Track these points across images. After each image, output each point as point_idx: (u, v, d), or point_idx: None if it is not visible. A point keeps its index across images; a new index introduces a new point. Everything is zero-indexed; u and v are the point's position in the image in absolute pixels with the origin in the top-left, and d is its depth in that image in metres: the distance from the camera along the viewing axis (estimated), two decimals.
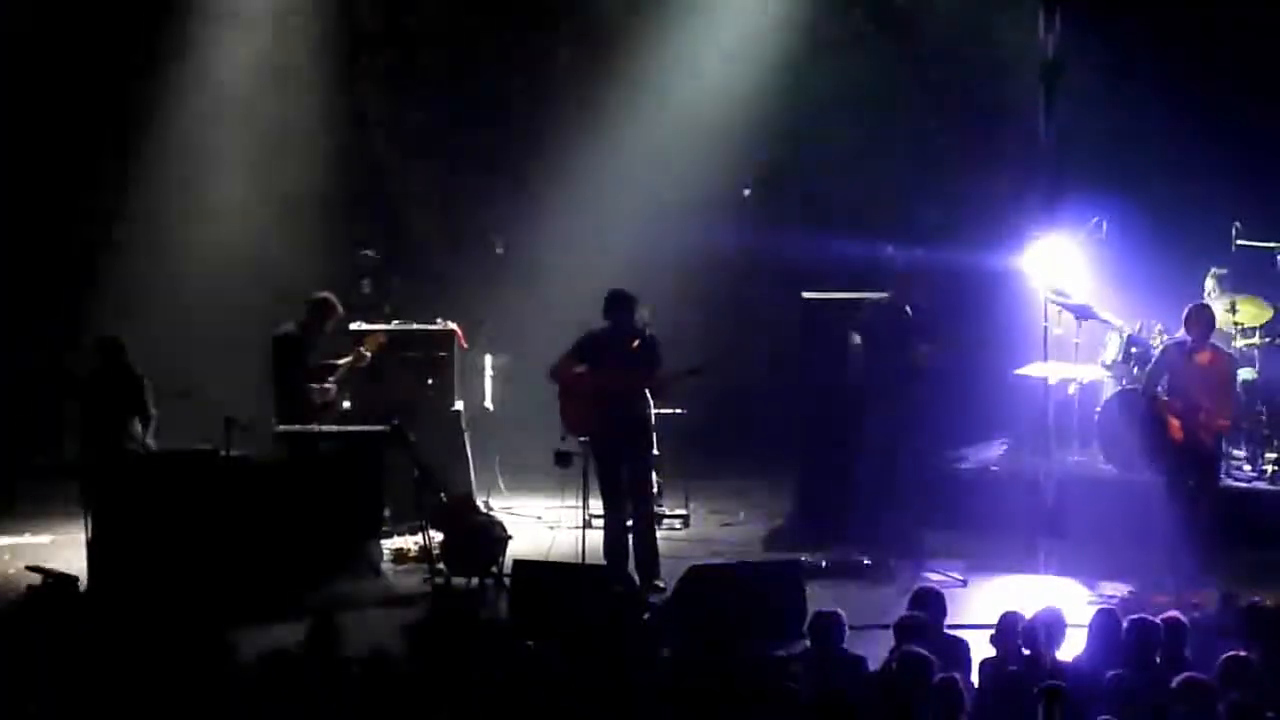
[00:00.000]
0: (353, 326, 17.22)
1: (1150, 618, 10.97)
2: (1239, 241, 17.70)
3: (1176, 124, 18.36)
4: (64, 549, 15.93)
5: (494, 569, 15.12)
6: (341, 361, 16.34)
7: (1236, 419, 14.98)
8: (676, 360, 15.41)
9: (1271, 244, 17.78)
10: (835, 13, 19.94)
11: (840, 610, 11.43)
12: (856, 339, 16.39)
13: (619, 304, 15.24)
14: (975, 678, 10.96)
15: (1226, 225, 17.80)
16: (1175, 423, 14.68)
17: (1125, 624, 10.87)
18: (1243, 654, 10.28)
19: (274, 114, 19.91)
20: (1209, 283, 17.63)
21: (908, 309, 16.10)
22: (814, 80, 19.67)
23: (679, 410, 17.14)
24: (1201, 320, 14.79)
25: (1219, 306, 17.15)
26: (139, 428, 15.69)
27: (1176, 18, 18.37)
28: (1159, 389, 14.93)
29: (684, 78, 20.00)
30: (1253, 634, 10.68)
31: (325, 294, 16.48)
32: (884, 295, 16.31)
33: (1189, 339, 14.84)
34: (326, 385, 16.20)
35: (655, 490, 16.10)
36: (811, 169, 19.92)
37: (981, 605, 13.53)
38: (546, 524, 17.58)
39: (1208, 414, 14.64)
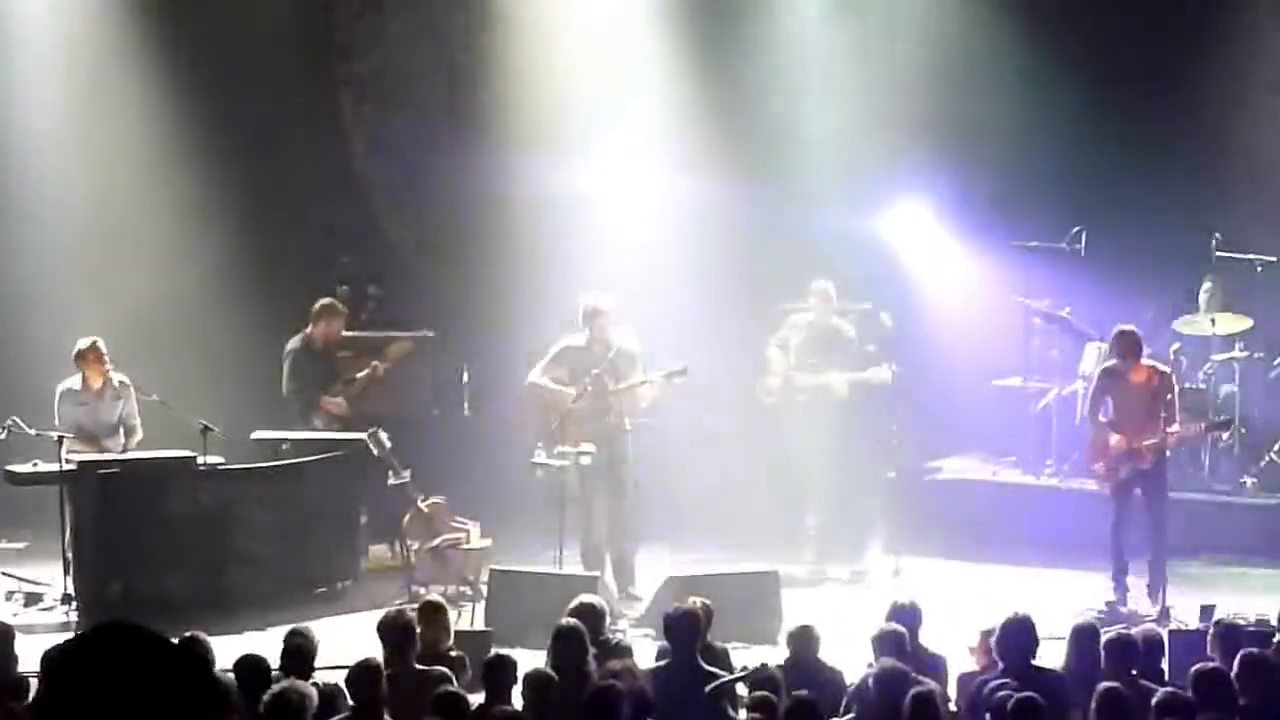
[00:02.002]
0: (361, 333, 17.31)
1: (1129, 633, 10.97)
2: (1218, 253, 17.71)
3: (1154, 132, 18.38)
4: (39, 554, 15.87)
5: (470, 578, 15.10)
6: (360, 374, 16.35)
7: (1182, 434, 15.05)
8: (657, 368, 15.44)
9: (1250, 255, 17.78)
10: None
11: (818, 621, 11.44)
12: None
13: (595, 313, 15.23)
14: (953, 691, 10.97)
15: (1206, 235, 17.81)
16: (1119, 438, 14.81)
17: (1103, 637, 10.86)
18: (1216, 666, 10.29)
19: (252, 116, 19.77)
20: (1203, 296, 17.66)
21: (838, 326, 16.24)
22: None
23: (651, 421, 17.07)
24: (1125, 344, 14.93)
25: (1207, 317, 17.24)
26: (122, 436, 15.63)
27: (1152, 25, 18.39)
28: (1102, 412, 15.06)
29: None
30: (1225, 650, 10.69)
31: (327, 299, 16.49)
32: (809, 314, 16.34)
33: (1119, 363, 14.97)
34: (337, 399, 16.20)
35: (632, 499, 16.05)
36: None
37: (960, 618, 13.50)
38: (523, 532, 17.50)
39: (1148, 432, 14.74)
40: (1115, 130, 18.55)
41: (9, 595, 15.09)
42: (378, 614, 14.51)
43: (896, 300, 18.12)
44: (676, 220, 19.71)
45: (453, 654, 11.29)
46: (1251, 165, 18.42)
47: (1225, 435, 16.17)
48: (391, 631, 10.93)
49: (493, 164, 19.53)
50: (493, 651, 11.01)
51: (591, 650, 10.64)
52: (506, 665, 10.35)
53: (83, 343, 15.47)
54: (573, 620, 10.77)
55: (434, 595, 13.07)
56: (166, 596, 14.07)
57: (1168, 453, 14.94)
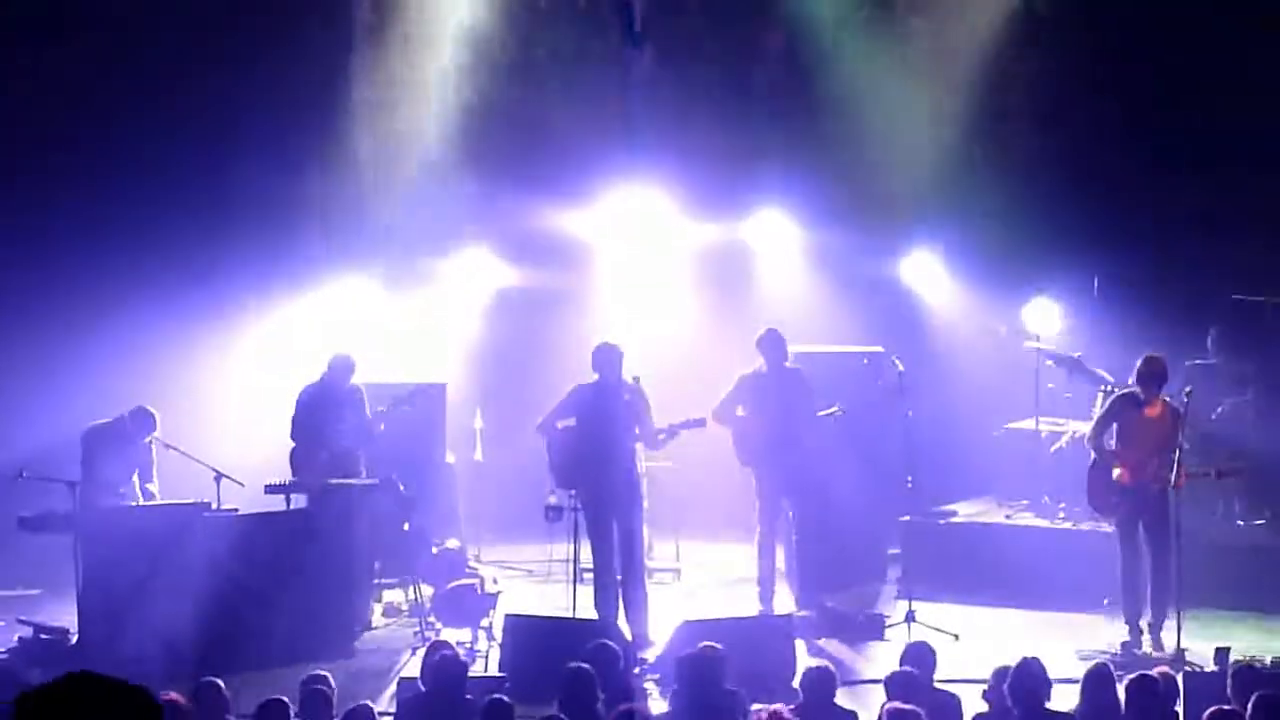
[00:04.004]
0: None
1: (1143, 672, 10.97)
2: (1234, 296, 17.74)
3: (1169, 179, 18.45)
4: (55, 601, 15.91)
5: (485, 622, 15.10)
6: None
7: (1187, 473, 14.98)
8: (670, 413, 15.45)
9: (1264, 298, 17.81)
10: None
11: (831, 665, 11.44)
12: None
13: (608, 358, 15.24)
14: None
15: (1221, 279, 17.85)
16: (1121, 470, 14.80)
17: (1118, 679, 10.87)
18: (1232, 708, 10.28)
19: None
20: (1210, 341, 17.74)
21: (794, 368, 16.17)
22: None
23: (669, 463, 17.14)
24: (1151, 373, 14.87)
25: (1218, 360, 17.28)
26: (136, 485, 15.72)
27: (1176, 68, 18.47)
28: (1106, 438, 15.03)
29: None
30: (1240, 691, 10.68)
31: (345, 353, 16.43)
32: (760, 364, 16.22)
33: (1140, 391, 14.94)
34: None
35: (646, 544, 16.07)
36: None
37: (973, 660, 13.51)
38: (537, 577, 17.56)
39: (1155, 467, 14.71)
40: (1128, 178, 18.62)
41: (22, 642, 15.10)
42: (392, 658, 14.67)
43: (909, 344, 18.15)
44: (686, 265, 19.86)
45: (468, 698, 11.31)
46: (1258, 214, 18.48)
47: (1236, 480, 16.12)
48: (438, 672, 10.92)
49: (502, 206, 19.61)
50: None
51: (601, 695, 10.64)
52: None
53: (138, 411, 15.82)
54: (581, 664, 10.78)
55: (446, 638, 13.08)
56: (181, 643, 14.06)
57: (1171, 493, 14.87)
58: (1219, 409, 17.32)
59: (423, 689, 11.41)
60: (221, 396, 18.56)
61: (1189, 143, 18.41)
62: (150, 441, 15.90)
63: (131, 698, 4.91)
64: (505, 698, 10.61)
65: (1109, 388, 16.84)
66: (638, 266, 20.12)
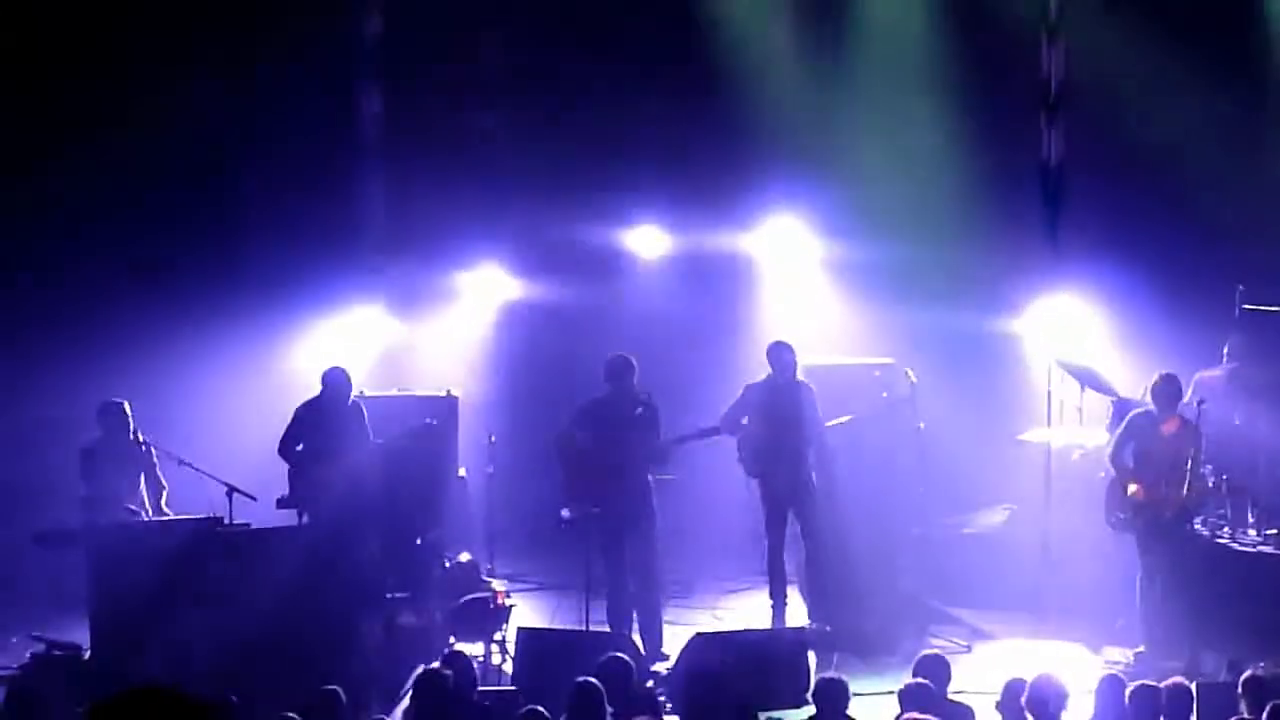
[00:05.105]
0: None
1: (1154, 684, 10.96)
2: (1244, 305, 17.68)
3: (1179, 186, 18.42)
4: (67, 617, 15.90)
5: (497, 636, 15.08)
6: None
7: (1200, 490, 14.94)
8: (681, 426, 15.45)
9: (1277, 308, 17.75)
10: None
11: (844, 677, 11.42)
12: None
13: (620, 370, 15.24)
14: None
15: (1231, 289, 17.81)
16: (1136, 487, 14.78)
17: (1130, 690, 10.85)
18: (1245, 719, 10.28)
19: None
20: (1226, 351, 17.69)
21: (801, 381, 16.06)
22: None
23: (674, 476, 17.11)
24: (1166, 391, 14.89)
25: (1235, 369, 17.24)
26: (145, 495, 15.70)
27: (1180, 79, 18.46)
28: (1126, 456, 15.01)
29: None
30: (1254, 702, 10.67)
31: (339, 366, 16.35)
32: (767, 375, 16.11)
33: (1156, 409, 14.94)
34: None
35: (657, 556, 16.05)
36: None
37: (986, 672, 13.49)
38: (550, 591, 17.54)
39: (1169, 485, 14.70)
40: (1137, 182, 18.60)
41: (34, 657, 15.09)
42: (405, 673, 14.63)
43: (920, 354, 18.12)
44: (699, 274, 19.87)
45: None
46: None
47: (1241, 496, 16.14)
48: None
49: (515, 220, 19.64)
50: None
51: (610, 710, 10.62)
52: None
53: (108, 405, 15.68)
54: (589, 679, 10.76)
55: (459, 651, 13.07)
56: (192, 658, 14.06)
57: (1188, 509, 14.85)
58: (1233, 420, 17.25)
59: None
60: (235, 412, 18.54)
61: (1201, 147, 18.36)
62: (145, 443, 15.75)
63: (199, 711, 4.99)
64: (541, 708, 10.60)
65: (1118, 399, 16.81)
66: (649, 276, 20.12)
